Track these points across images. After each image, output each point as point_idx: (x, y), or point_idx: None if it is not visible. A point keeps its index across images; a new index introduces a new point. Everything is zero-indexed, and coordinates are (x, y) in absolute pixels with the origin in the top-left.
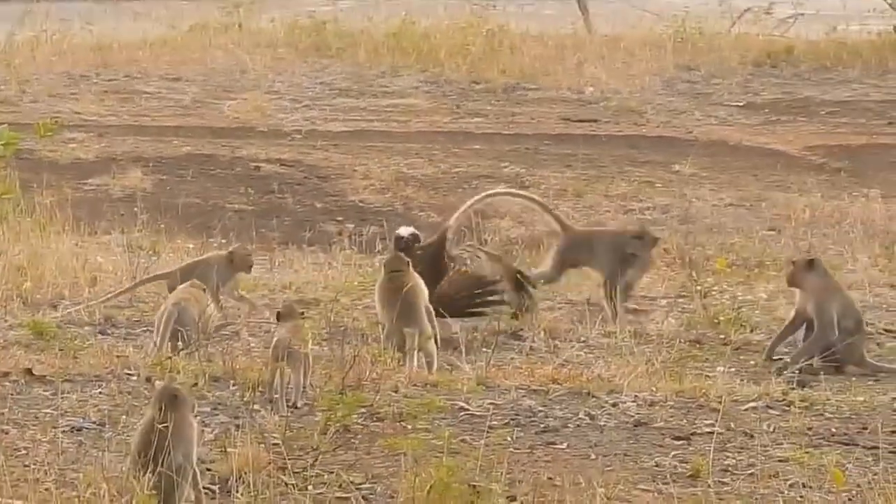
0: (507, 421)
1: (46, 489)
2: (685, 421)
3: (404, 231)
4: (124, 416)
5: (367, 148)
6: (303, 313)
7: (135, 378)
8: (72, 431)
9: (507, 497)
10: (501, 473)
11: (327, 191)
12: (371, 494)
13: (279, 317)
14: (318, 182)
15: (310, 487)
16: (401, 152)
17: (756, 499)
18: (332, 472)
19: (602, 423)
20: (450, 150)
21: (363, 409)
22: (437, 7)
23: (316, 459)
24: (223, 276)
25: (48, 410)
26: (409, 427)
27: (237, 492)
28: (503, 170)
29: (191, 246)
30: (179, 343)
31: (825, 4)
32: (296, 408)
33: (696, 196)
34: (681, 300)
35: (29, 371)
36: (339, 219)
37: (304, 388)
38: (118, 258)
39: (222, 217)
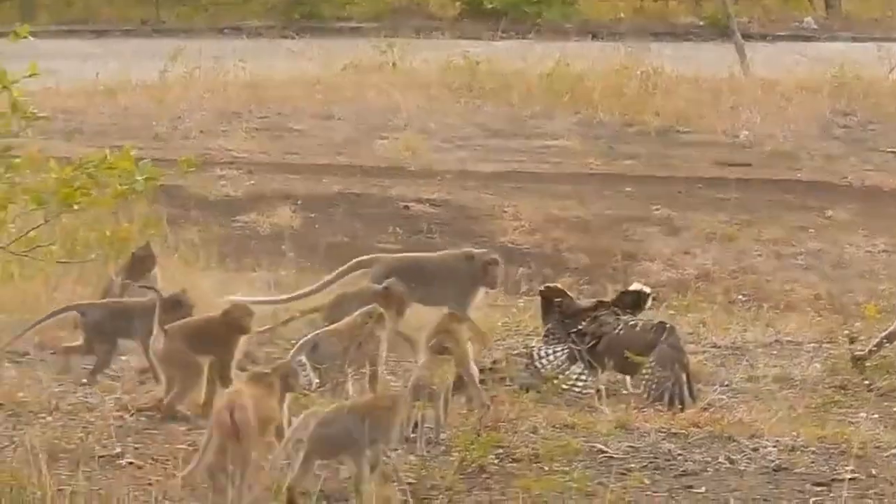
0: (645, 464)
1: None
2: (826, 467)
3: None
4: None
5: (517, 189)
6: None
7: None
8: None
9: None
10: None
11: (476, 231)
12: None
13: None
14: (467, 223)
15: None
16: (552, 194)
17: None
18: None
19: (742, 468)
20: (601, 192)
21: (499, 450)
22: (592, 49)
23: (450, 500)
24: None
25: (183, 445)
26: (546, 469)
27: None
28: (654, 213)
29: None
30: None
31: None
32: (436, 444)
33: (848, 242)
34: (827, 345)
35: (168, 406)
36: None
37: (442, 427)
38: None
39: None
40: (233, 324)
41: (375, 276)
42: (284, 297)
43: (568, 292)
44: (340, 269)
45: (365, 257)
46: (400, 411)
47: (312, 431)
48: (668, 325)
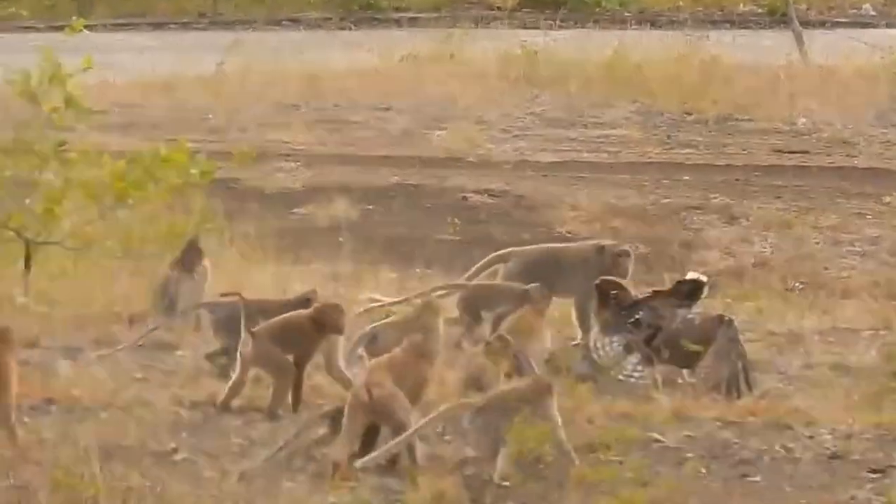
0: (701, 453)
1: None
2: (882, 454)
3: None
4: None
5: (575, 179)
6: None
7: (327, 407)
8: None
9: None
10: None
11: (535, 221)
12: None
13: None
14: (526, 212)
15: None
16: (610, 183)
17: None
18: None
19: (798, 456)
20: (659, 181)
21: None
22: (651, 37)
23: (505, 491)
24: (507, 308)
25: (238, 440)
26: (601, 458)
27: None
28: (712, 201)
29: (394, 275)
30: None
31: None
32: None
33: None
34: (883, 332)
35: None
36: None
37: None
38: (320, 289)
39: (427, 247)
40: (327, 323)
41: (511, 271)
42: (414, 294)
43: (624, 284)
44: (478, 264)
45: (502, 251)
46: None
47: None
48: (726, 318)
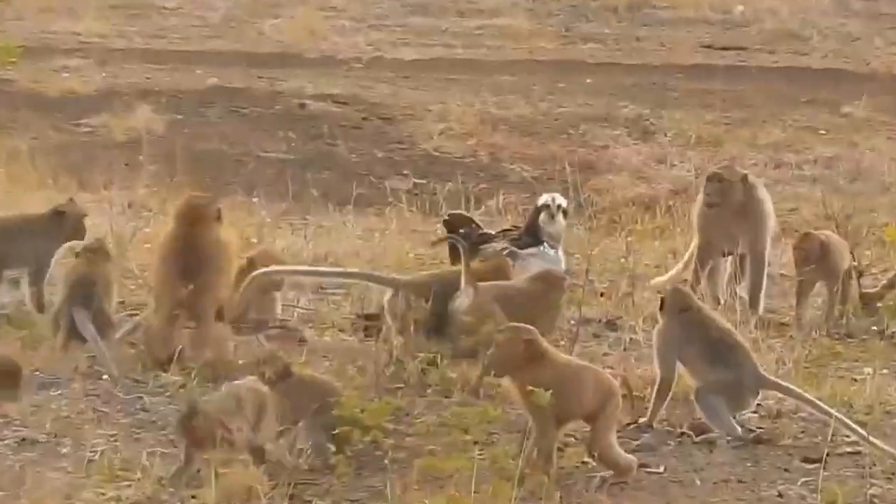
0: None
1: None
2: (821, 437)
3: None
4: (87, 427)
5: (446, 82)
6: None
7: (106, 378)
8: (18, 445)
9: None
10: None
11: (392, 136)
12: None
13: None
14: (381, 125)
15: None
16: (490, 88)
17: None
18: (353, 502)
19: (711, 441)
20: (554, 84)
21: (397, 419)
22: None
23: (330, 486)
24: None
25: None
26: (459, 443)
27: None
28: (621, 111)
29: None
30: None
31: None
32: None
33: (869, 147)
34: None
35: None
36: (405, 172)
37: None
38: (115, 223)
39: (252, 168)
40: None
41: None
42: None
43: (476, 220)
44: None
45: None
46: None
47: None
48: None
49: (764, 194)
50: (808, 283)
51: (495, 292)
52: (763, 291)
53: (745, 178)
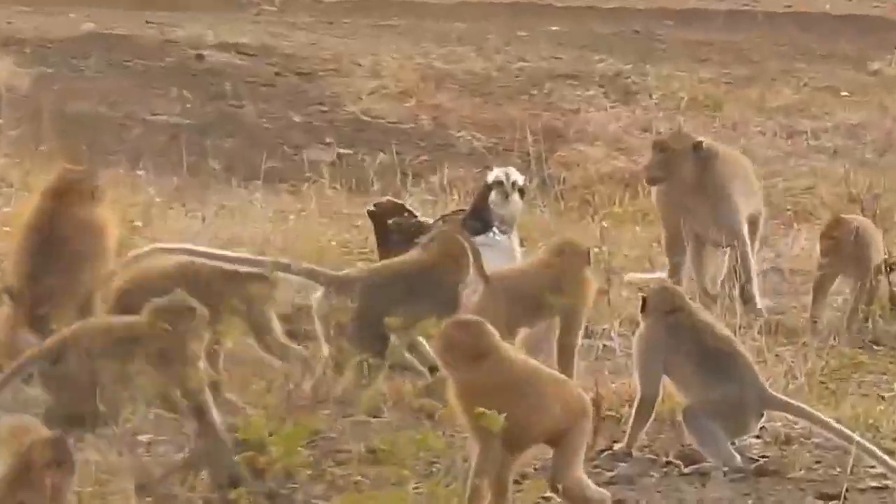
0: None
1: None
2: (839, 469)
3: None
4: None
5: (377, 29)
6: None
7: None
8: None
9: None
10: None
11: (311, 96)
12: None
13: None
14: (297, 82)
15: None
16: (433, 37)
17: None
18: None
19: (704, 472)
20: (512, 32)
21: (316, 444)
22: None
23: None
24: None
25: None
26: (391, 475)
27: None
28: (596, 66)
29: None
30: None
31: None
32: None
33: None
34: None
35: None
36: (328, 140)
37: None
38: None
39: (136, 134)
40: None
41: None
42: None
43: (408, 208)
44: None
45: None
46: None
47: None
48: None
49: (725, 166)
50: (829, 279)
51: (506, 283)
52: (754, 282)
53: (697, 145)
